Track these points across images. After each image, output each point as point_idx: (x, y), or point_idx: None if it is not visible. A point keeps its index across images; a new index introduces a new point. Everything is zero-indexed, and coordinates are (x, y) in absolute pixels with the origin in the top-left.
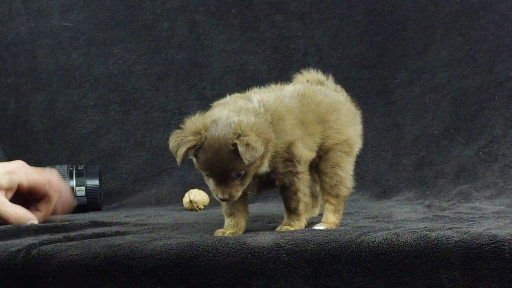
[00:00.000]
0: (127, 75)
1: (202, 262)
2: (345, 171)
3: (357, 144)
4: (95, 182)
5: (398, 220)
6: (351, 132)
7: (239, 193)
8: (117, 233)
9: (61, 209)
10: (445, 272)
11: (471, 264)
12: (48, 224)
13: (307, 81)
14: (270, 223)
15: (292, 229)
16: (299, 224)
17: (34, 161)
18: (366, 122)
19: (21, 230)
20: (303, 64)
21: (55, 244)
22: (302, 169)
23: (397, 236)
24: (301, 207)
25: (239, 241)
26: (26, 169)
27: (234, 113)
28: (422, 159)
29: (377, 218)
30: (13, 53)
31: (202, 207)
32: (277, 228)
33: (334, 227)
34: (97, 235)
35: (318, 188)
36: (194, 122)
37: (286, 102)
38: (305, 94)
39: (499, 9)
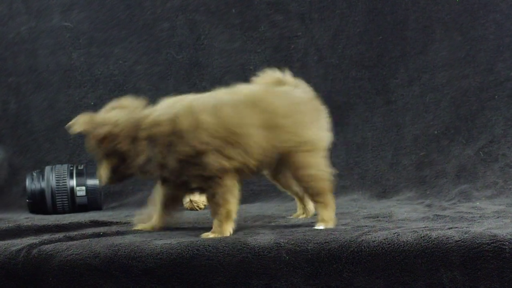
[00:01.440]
0: (128, 75)
1: (203, 261)
2: (313, 168)
3: (322, 140)
4: (96, 181)
5: (399, 220)
6: (311, 132)
7: (102, 176)
8: (118, 233)
9: None
10: (445, 272)
11: (471, 264)
12: (49, 223)
13: (265, 84)
14: (271, 223)
15: (211, 236)
16: (220, 231)
17: (35, 161)
18: (366, 122)
19: (22, 230)
20: (303, 64)
21: (56, 243)
22: (221, 175)
23: (397, 235)
24: (221, 212)
25: (239, 241)
26: None
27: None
28: (423, 159)
29: (377, 217)
30: (13, 52)
31: (202, 206)
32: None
33: (331, 222)
34: (98, 235)
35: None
36: None
37: (224, 110)
38: (255, 102)
39: (499, 9)
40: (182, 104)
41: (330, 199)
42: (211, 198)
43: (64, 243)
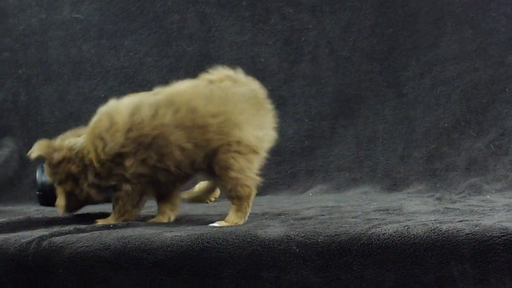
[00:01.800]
0: (138, 67)
1: (213, 254)
2: (239, 172)
3: (257, 141)
4: None
5: (409, 213)
6: (242, 132)
7: (60, 205)
8: (128, 225)
9: None
10: (455, 265)
11: (481, 257)
12: (59, 215)
13: (210, 80)
14: (280, 215)
15: (99, 223)
16: (110, 221)
17: None
18: (377, 115)
19: (32, 222)
20: (314, 56)
21: (66, 235)
22: (133, 181)
23: (407, 228)
24: (115, 211)
25: (249, 233)
26: None
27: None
28: (433, 152)
29: (387, 210)
30: (24, 44)
31: (212, 199)
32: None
33: (232, 225)
34: (108, 227)
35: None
36: None
37: (140, 112)
38: (174, 102)
39: (510, 2)
40: (105, 107)
41: (245, 206)
42: (115, 199)
43: (74, 235)
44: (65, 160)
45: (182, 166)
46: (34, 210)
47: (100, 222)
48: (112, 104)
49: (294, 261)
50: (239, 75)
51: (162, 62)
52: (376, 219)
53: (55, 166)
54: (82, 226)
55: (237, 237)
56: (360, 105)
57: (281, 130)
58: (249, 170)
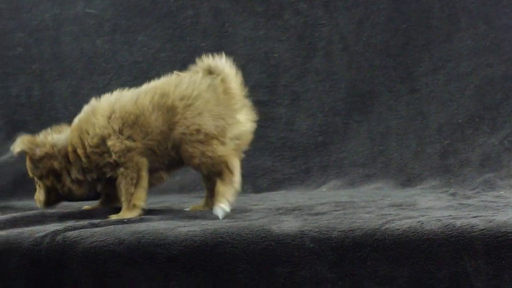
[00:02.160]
0: (152, 62)
1: (227, 249)
2: (203, 156)
3: (221, 131)
4: None
5: (423, 208)
6: (203, 119)
7: (39, 200)
8: (142, 220)
9: None
10: (469, 260)
11: (495, 253)
12: (73, 210)
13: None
14: (295, 211)
15: (113, 218)
16: (122, 215)
17: None
18: (391, 110)
19: (46, 216)
20: (327, 52)
21: (80, 230)
22: (122, 160)
23: (421, 224)
24: (126, 202)
25: (263, 229)
26: None
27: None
28: (447, 147)
29: (401, 206)
30: (37, 39)
31: None
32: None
33: (227, 202)
34: (122, 222)
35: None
36: None
37: (122, 97)
38: (154, 88)
39: None
40: (88, 104)
41: (227, 174)
42: (117, 187)
43: (88, 229)
44: (47, 156)
45: (162, 149)
46: None
47: (114, 217)
48: (94, 101)
49: (308, 256)
50: (219, 65)
51: (176, 57)
52: (390, 214)
53: (37, 161)
54: (96, 221)
55: (251, 232)
56: (374, 101)
57: (295, 125)
58: (211, 152)
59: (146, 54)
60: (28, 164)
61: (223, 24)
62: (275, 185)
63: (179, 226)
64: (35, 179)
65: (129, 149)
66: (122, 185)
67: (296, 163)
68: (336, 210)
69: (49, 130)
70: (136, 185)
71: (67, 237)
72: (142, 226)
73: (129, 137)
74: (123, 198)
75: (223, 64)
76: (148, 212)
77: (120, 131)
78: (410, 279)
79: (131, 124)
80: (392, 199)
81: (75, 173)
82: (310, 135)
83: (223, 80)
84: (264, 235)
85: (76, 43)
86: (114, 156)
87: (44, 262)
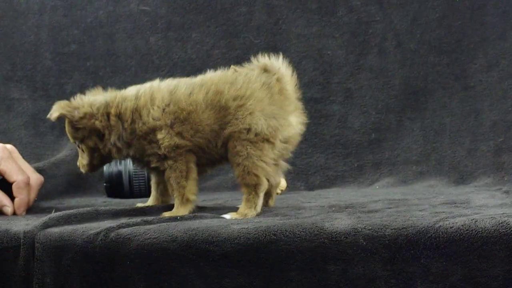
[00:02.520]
0: (205, 59)
1: (280, 246)
2: (246, 159)
3: (273, 131)
4: None
5: (476, 206)
6: (255, 119)
7: (82, 164)
8: (195, 217)
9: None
10: None
11: None
12: (126, 207)
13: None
14: (347, 208)
15: (167, 215)
16: (176, 212)
17: None
18: (444, 108)
19: (100, 213)
20: (381, 49)
21: (133, 227)
22: (171, 155)
23: (475, 222)
24: (178, 196)
25: (316, 226)
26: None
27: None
28: (501, 145)
29: (455, 203)
30: (91, 36)
31: (279, 191)
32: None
33: (240, 218)
34: (175, 219)
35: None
36: None
37: (178, 89)
38: (204, 84)
39: None
40: (149, 84)
41: (253, 196)
42: (167, 181)
43: (141, 227)
44: (86, 116)
45: (211, 147)
46: (102, 201)
47: (167, 214)
48: (157, 83)
49: (361, 253)
50: (276, 65)
51: (230, 54)
52: (443, 212)
53: (77, 123)
54: (149, 218)
55: (304, 230)
56: (427, 98)
57: (348, 122)
58: (257, 158)
59: (200, 51)
60: (68, 129)
61: (276, 21)
62: (328, 182)
63: (232, 224)
64: (77, 144)
65: (178, 146)
66: (172, 179)
67: (349, 161)
68: (389, 208)
69: (83, 94)
70: (187, 177)
71: (120, 234)
72: (195, 224)
73: (178, 134)
74: (175, 194)
75: (280, 64)
76: (201, 209)
77: (172, 126)
78: (464, 277)
79: (182, 120)
80: (445, 196)
81: (114, 138)
82: (363, 132)
83: (278, 80)
84: (317, 232)
85: (130, 40)
86: (163, 150)
87: (98, 259)
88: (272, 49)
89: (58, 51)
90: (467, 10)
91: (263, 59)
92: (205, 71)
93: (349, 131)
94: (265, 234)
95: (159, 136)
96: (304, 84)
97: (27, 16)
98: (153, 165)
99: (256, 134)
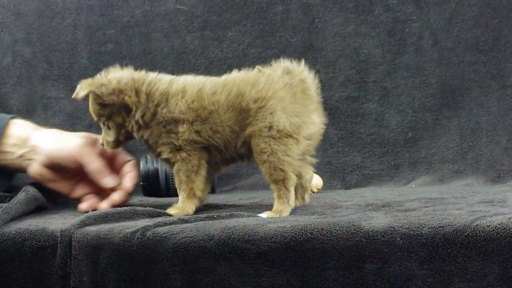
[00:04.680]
0: (241, 58)
1: (316, 245)
2: (271, 155)
3: (296, 128)
4: None
5: None
6: (276, 117)
7: (107, 141)
8: (231, 216)
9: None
10: None
11: None
12: (163, 206)
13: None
14: (384, 207)
15: (172, 212)
16: (182, 207)
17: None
18: (481, 106)
19: (137, 212)
20: (417, 48)
21: (170, 226)
22: (186, 148)
23: None
24: (185, 189)
25: (353, 225)
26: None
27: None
28: None
29: (492, 202)
30: (128, 36)
31: (315, 190)
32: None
33: (277, 215)
34: (211, 218)
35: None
36: None
37: (204, 87)
38: (228, 85)
39: None
40: (184, 77)
41: (284, 191)
42: (176, 173)
43: (178, 225)
44: (115, 92)
45: (230, 147)
46: (138, 200)
47: (172, 210)
48: (188, 78)
49: (398, 252)
50: (298, 68)
51: (266, 53)
52: (480, 211)
53: (106, 100)
54: (186, 217)
55: (341, 228)
56: (464, 97)
57: (385, 121)
58: (282, 153)
59: (236, 50)
60: (93, 106)
61: (313, 20)
62: (365, 181)
63: (268, 222)
64: (102, 122)
65: (195, 142)
66: (183, 172)
67: (386, 159)
68: (426, 207)
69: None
70: (197, 173)
71: (157, 232)
72: (232, 222)
73: (197, 132)
74: (183, 186)
75: (301, 68)
76: (238, 208)
77: (192, 122)
78: (501, 275)
79: (203, 118)
80: (482, 195)
81: (138, 115)
82: (399, 131)
83: (302, 80)
84: (354, 231)
85: (166, 39)
86: (180, 141)
87: (135, 257)
88: (308, 48)
89: (95, 51)
90: (504, 9)
91: (284, 62)
92: (241, 70)
93: (386, 130)
94: (302, 232)
95: (181, 129)
96: (340, 83)
97: (64, 15)
98: (164, 156)
99: (279, 131)
